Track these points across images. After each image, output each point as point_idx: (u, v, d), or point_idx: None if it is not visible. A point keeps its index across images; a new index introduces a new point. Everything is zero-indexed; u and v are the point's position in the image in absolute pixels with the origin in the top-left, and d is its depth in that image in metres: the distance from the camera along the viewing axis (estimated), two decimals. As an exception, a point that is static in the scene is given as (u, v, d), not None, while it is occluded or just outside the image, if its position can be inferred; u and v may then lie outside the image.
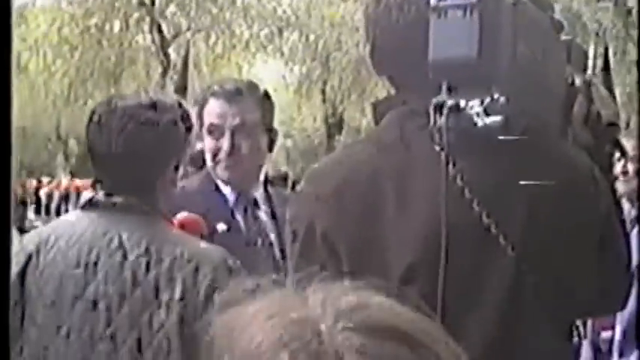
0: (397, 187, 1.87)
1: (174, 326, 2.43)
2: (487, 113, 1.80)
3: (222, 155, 3.19)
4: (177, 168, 2.62)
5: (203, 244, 2.61)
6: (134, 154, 2.52)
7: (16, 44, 23.44)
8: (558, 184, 1.86)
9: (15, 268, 2.50)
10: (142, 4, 22.44)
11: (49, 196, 30.48)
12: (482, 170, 1.86)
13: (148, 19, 22.63)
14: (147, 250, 2.48)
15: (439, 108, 1.81)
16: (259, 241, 3.21)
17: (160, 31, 22.54)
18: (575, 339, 1.95)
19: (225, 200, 3.23)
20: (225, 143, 3.18)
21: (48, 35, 22.73)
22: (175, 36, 23.02)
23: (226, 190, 3.24)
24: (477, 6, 1.80)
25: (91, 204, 2.62)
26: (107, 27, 22.31)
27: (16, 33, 23.65)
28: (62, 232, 2.55)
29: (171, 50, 22.81)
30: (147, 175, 2.56)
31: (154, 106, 2.56)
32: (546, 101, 1.97)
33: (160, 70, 22.45)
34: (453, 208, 1.81)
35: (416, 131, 1.89)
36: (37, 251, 2.53)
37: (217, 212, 3.13)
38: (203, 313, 2.42)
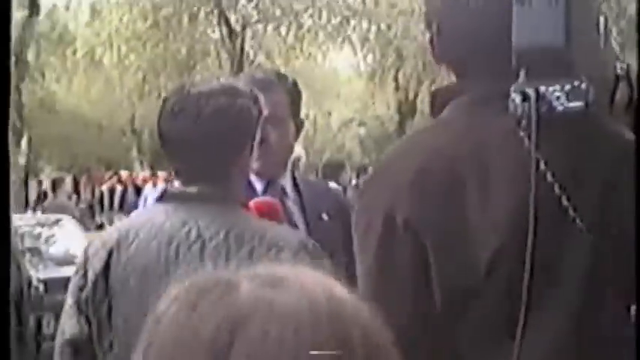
0: (477, 173, 1.88)
1: None
2: (568, 99, 1.83)
3: None
4: (250, 153, 2.62)
5: (282, 229, 2.62)
6: (211, 140, 2.51)
7: (90, 39, 23.79)
8: (625, 168, 1.90)
9: (98, 265, 2.55)
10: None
11: (125, 190, 30.91)
12: (561, 154, 1.88)
13: (216, 11, 22.80)
14: (226, 238, 2.48)
15: (519, 93, 1.84)
16: None
17: (227, 24, 22.70)
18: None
19: (254, 190, 3.23)
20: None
21: (120, 30, 23.00)
22: (244, 28, 23.16)
23: (254, 179, 3.24)
24: None
25: (167, 196, 2.63)
26: (175, 20, 22.51)
27: (91, 28, 24.02)
28: (141, 226, 2.57)
29: (239, 42, 22.98)
30: (223, 161, 2.55)
31: (227, 91, 2.56)
32: (603, 87, 2.00)
33: (229, 62, 22.62)
34: (537, 192, 1.85)
35: (493, 116, 1.90)
36: (118, 246, 2.55)
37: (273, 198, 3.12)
38: None
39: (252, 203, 2.72)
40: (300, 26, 23.87)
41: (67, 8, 25.73)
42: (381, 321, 1.04)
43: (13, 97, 19.89)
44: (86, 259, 2.60)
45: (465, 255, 1.86)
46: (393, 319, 1.16)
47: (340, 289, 1.01)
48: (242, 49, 23.54)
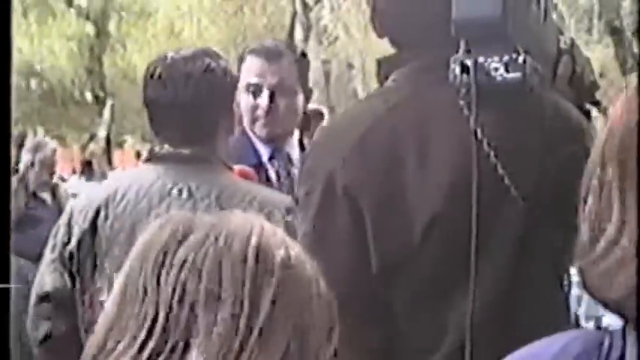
0: (417, 140, 1.96)
1: None
2: (507, 70, 1.91)
3: (260, 113, 3.24)
4: (232, 116, 2.66)
5: (270, 192, 2.67)
6: (199, 102, 2.55)
7: (170, 12, 24.04)
8: (563, 138, 1.99)
9: (84, 223, 2.59)
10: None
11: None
12: (499, 124, 1.96)
13: None
14: (217, 199, 2.52)
15: (459, 64, 1.93)
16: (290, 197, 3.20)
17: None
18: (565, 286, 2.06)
19: (259, 156, 3.28)
20: (263, 101, 3.22)
21: (202, 1, 23.18)
22: (317, 1, 23.17)
23: (260, 146, 3.29)
24: None
25: (156, 157, 2.66)
26: None
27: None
28: (130, 185, 2.61)
29: (313, 15, 22.98)
30: (210, 124, 2.60)
31: (208, 53, 2.63)
32: (544, 60, 2.06)
33: (303, 34, 22.64)
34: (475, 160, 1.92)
35: (433, 85, 1.98)
36: (106, 204, 2.58)
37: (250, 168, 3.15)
38: None
39: (235, 169, 2.78)
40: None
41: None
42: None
43: (95, 68, 20.06)
44: (71, 216, 2.64)
45: (402, 220, 1.95)
46: (329, 281, 1.27)
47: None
48: (318, 22, 23.55)
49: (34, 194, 6.86)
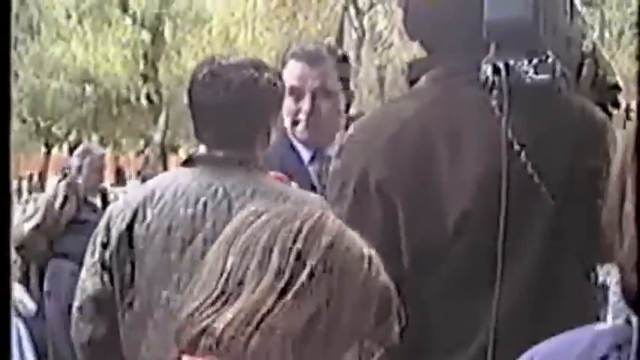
0: (449, 138, 2.01)
1: None
2: (536, 72, 1.95)
3: (302, 116, 3.25)
4: (275, 124, 2.72)
5: (304, 192, 2.71)
6: (239, 108, 2.62)
7: (224, 18, 24.19)
8: (589, 138, 2.04)
9: (122, 224, 2.63)
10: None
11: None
12: (528, 124, 1.99)
13: None
14: (252, 197, 2.57)
15: (490, 65, 1.96)
16: None
17: (354, 2, 22.74)
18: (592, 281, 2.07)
19: (301, 159, 3.29)
20: (305, 105, 3.23)
21: (256, 7, 23.30)
22: (371, 6, 23.19)
23: (302, 149, 3.31)
24: None
25: (192, 159, 2.73)
26: None
27: (226, 6, 24.40)
28: (167, 186, 2.66)
29: (366, 20, 23.00)
30: (248, 130, 2.66)
31: (254, 64, 2.69)
32: (569, 62, 2.10)
33: (356, 40, 22.68)
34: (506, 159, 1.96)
35: (463, 86, 2.02)
36: (144, 205, 2.63)
37: (292, 171, 3.16)
38: None
39: (270, 175, 2.80)
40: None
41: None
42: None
43: (150, 74, 20.06)
44: (109, 218, 2.69)
45: (434, 216, 1.99)
46: None
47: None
48: (372, 27, 23.58)
49: (85, 199, 6.93)
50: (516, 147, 1.97)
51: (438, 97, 2.06)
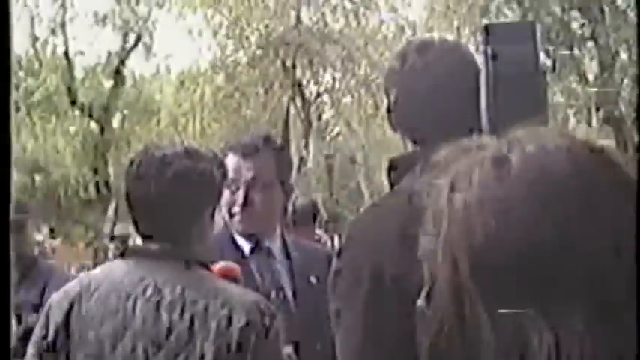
0: None
1: None
2: None
3: (236, 209, 3.29)
4: (212, 215, 2.74)
5: (236, 289, 2.71)
6: (171, 201, 2.64)
7: (172, 109, 24.38)
8: None
9: (59, 316, 2.65)
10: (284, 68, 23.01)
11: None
12: None
13: (288, 82, 23.08)
14: (182, 294, 2.59)
15: None
16: (273, 293, 3.23)
17: (301, 92, 23.19)
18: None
19: (241, 251, 3.31)
20: (239, 197, 3.28)
21: (203, 98, 23.55)
22: (318, 96, 23.74)
23: (241, 241, 3.33)
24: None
25: (128, 251, 2.77)
26: (250, 90, 22.90)
27: (175, 98, 24.73)
28: (102, 279, 2.69)
29: (313, 110, 23.37)
30: (182, 222, 2.68)
31: (189, 154, 2.69)
32: None
33: (302, 131, 23.00)
34: None
35: None
36: (80, 298, 2.65)
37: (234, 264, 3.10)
38: (236, 356, 2.55)
39: (215, 268, 2.82)
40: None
41: (154, 77, 26.57)
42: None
43: (99, 165, 20.05)
44: (48, 310, 2.71)
45: None
46: None
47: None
48: (319, 117, 23.99)
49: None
50: None
51: None
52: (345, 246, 2.20)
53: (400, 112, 2.19)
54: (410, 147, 2.23)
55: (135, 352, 2.55)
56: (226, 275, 2.82)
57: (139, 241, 2.78)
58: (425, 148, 2.08)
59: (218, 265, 2.84)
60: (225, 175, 2.78)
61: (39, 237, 8.01)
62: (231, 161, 3.28)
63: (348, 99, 23.55)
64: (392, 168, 2.19)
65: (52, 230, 24.93)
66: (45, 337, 2.67)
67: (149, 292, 2.61)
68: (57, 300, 2.71)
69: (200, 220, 2.70)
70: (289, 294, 3.30)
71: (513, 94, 1.86)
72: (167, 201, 2.64)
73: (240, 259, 3.23)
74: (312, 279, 3.30)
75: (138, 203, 2.70)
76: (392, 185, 2.18)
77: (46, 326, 2.68)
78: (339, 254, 2.19)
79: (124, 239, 12.88)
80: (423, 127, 2.16)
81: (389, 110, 2.21)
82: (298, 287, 3.32)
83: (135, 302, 2.61)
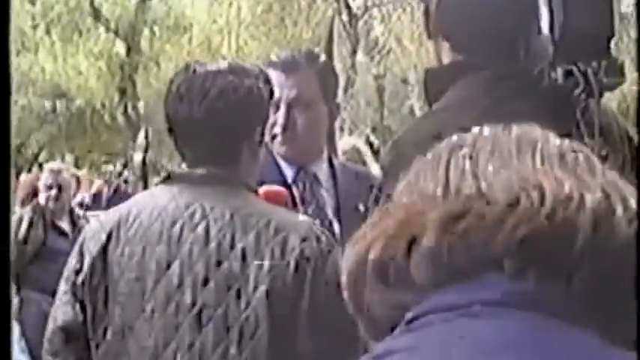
0: None
1: (262, 300, 2.51)
2: (607, 75, 1.98)
3: (277, 130, 3.25)
4: (262, 136, 2.71)
5: (290, 215, 2.71)
6: (217, 121, 2.62)
7: (206, 26, 24.14)
8: None
9: (95, 248, 2.63)
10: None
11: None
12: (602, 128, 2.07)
13: None
14: (231, 221, 2.57)
15: (563, 70, 1.99)
16: (317, 221, 3.13)
17: (347, 6, 22.74)
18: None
19: (284, 176, 3.27)
20: (280, 117, 3.23)
21: (240, 14, 23.31)
22: (365, 11, 23.18)
23: (284, 165, 3.29)
24: None
25: (172, 177, 2.73)
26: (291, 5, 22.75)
27: (207, 13, 24.38)
28: (143, 207, 2.67)
29: (361, 26, 22.98)
30: (230, 144, 2.66)
31: (233, 70, 2.65)
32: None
33: (348, 48, 22.66)
34: None
35: (513, 95, 2.00)
36: (118, 228, 2.63)
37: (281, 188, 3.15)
38: (293, 286, 2.53)
39: (261, 191, 2.80)
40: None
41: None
42: None
43: (127, 88, 19.98)
44: (83, 242, 2.69)
45: None
46: None
47: None
48: (368, 33, 23.57)
49: (53, 224, 6.83)
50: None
51: (488, 108, 1.99)
52: (390, 152, 2.20)
53: (444, 11, 2.12)
54: (447, 58, 2.18)
55: (181, 287, 2.53)
56: (273, 200, 2.80)
57: (183, 166, 2.75)
58: (474, 57, 2.07)
59: (264, 189, 2.83)
60: (272, 92, 2.74)
61: (58, 166, 7.92)
62: (271, 78, 3.13)
63: (399, 13, 22.68)
64: (430, 80, 2.16)
65: (76, 160, 24.82)
66: (79, 271, 2.64)
67: (196, 218, 2.58)
68: (92, 232, 2.70)
69: (249, 141, 2.67)
70: (335, 223, 3.28)
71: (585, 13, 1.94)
72: (213, 121, 2.61)
73: (283, 185, 3.19)
74: (361, 206, 3.17)
75: (181, 126, 2.67)
76: (430, 103, 2.16)
77: (81, 260, 2.66)
78: (388, 151, 2.19)
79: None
80: (470, 31, 2.10)
81: (427, 12, 2.17)
82: (344, 215, 3.28)
83: (181, 230, 2.58)
